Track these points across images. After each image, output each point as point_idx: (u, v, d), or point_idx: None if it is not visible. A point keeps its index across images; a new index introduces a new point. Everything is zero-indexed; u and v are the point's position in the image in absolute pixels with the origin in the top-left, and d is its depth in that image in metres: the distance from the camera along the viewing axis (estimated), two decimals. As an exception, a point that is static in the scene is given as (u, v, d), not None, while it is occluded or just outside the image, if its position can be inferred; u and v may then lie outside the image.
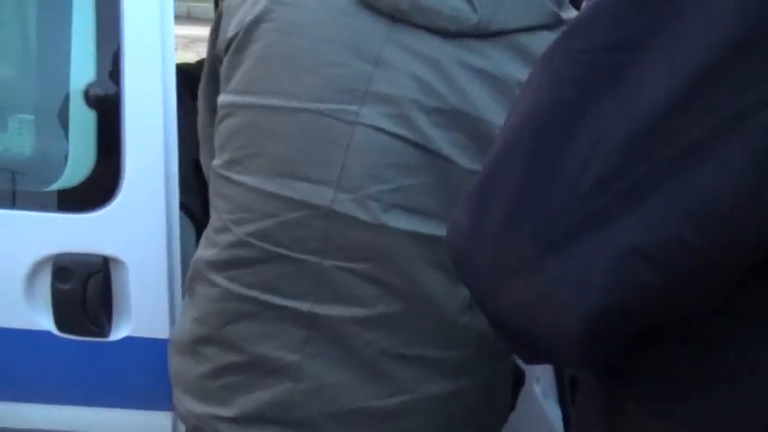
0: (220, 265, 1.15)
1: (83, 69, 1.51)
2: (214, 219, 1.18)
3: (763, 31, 0.61)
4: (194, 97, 1.40)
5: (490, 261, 0.70)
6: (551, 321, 0.67)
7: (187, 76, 1.80)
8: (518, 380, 1.33)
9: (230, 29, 1.13)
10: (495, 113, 1.05)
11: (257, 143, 1.11)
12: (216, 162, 1.17)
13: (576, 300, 0.65)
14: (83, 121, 1.51)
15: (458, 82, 1.06)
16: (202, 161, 1.38)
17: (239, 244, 1.12)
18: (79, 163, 1.52)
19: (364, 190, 1.07)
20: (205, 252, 1.18)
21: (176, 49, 1.50)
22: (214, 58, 1.21)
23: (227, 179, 1.14)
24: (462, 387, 1.16)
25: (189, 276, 1.22)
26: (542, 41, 1.06)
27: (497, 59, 1.06)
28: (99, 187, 1.50)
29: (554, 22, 1.09)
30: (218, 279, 1.15)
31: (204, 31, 1.45)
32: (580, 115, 0.66)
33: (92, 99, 1.50)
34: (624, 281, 0.63)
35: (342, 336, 1.11)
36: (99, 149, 1.51)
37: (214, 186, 1.18)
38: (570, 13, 1.11)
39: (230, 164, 1.13)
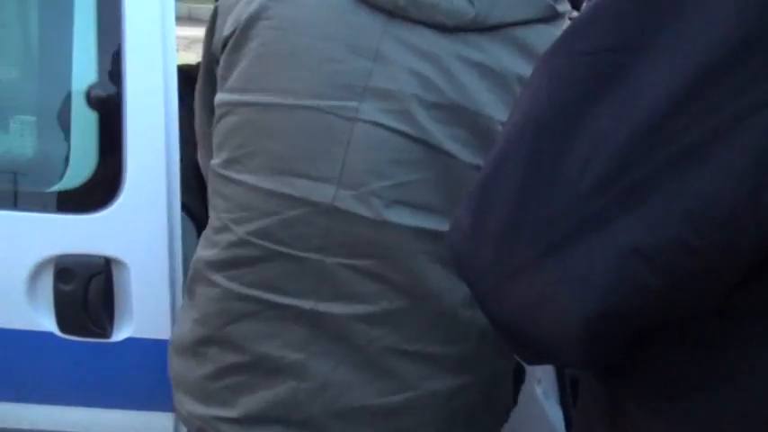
0: (220, 265, 1.14)
1: (84, 70, 1.51)
2: (213, 218, 1.18)
3: (763, 31, 0.61)
4: (196, 98, 1.40)
5: (491, 261, 0.70)
6: (552, 322, 0.67)
7: (188, 77, 1.78)
8: (519, 377, 1.33)
9: (226, 27, 1.13)
10: (493, 107, 1.06)
11: (255, 141, 1.10)
12: (214, 161, 1.17)
13: (576, 300, 0.65)
14: (84, 122, 1.51)
15: (456, 76, 1.06)
16: (200, 161, 1.38)
17: (240, 243, 1.12)
18: (81, 164, 1.52)
19: (366, 186, 1.07)
20: (205, 252, 1.18)
21: (177, 51, 1.50)
22: (210, 57, 1.20)
23: (226, 178, 1.13)
24: (464, 383, 1.15)
25: (189, 277, 1.22)
26: (539, 34, 1.07)
27: (495, 53, 1.06)
28: (100, 188, 1.50)
29: (551, 15, 1.09)
30: (219, 279, 1.14)
31: (205, 33, 1.45)
32: (580, 116, 0.66)
33: (93, 100, 1.50)
34: (624, 281, 0.64)
35: (345, 333, 1.11)
36: (100, 150, 1.51)
37: (213, 186, 1.18)
38: (566, 6, 1.12)
39: (229, 163, 1.13)
